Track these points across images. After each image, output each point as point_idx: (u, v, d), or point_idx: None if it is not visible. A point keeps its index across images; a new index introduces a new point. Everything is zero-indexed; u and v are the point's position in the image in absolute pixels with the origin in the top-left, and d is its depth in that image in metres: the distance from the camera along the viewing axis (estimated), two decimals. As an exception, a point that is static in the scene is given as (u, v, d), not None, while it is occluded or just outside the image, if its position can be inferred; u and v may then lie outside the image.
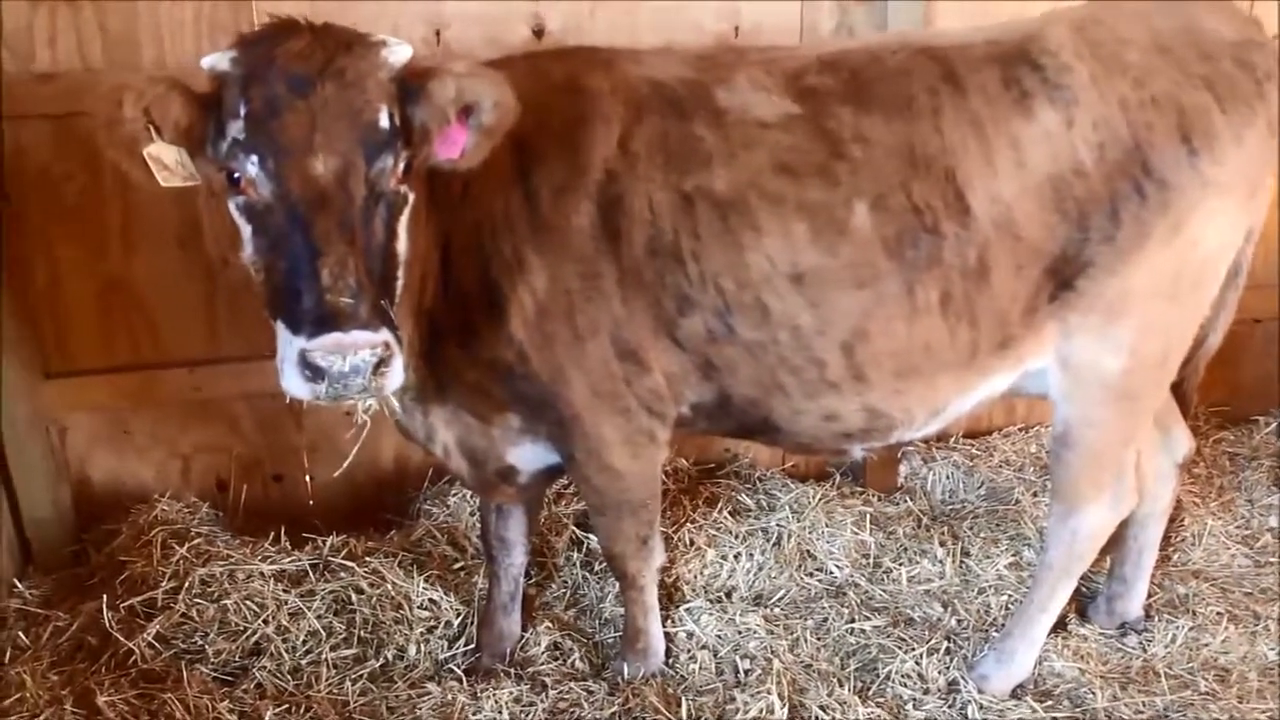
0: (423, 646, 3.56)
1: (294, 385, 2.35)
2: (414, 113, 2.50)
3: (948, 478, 4.53)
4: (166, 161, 2.45)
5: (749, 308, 2.90)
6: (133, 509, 3.98)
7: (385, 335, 2.33)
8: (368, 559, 3.79)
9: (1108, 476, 3.29)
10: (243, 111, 2.38)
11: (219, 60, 2.45)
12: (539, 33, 3.85)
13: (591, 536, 3.97)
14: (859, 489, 4.46)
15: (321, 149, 2.37)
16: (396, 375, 2.38)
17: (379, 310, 2.35)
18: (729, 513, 4.18)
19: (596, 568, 3.94)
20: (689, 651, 3.59)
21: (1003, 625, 3.65)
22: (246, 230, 2.47)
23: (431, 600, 3.68)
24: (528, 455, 3.21)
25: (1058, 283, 2.94)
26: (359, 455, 4.18)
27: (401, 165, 2.47)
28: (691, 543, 4.01)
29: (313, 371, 2.29)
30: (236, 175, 2.41)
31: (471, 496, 4.10)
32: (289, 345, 2.34)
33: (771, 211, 2.86)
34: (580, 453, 3.10)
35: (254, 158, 2.37)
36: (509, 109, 2.53)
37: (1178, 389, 3.53)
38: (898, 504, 4.37)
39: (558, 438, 3.10)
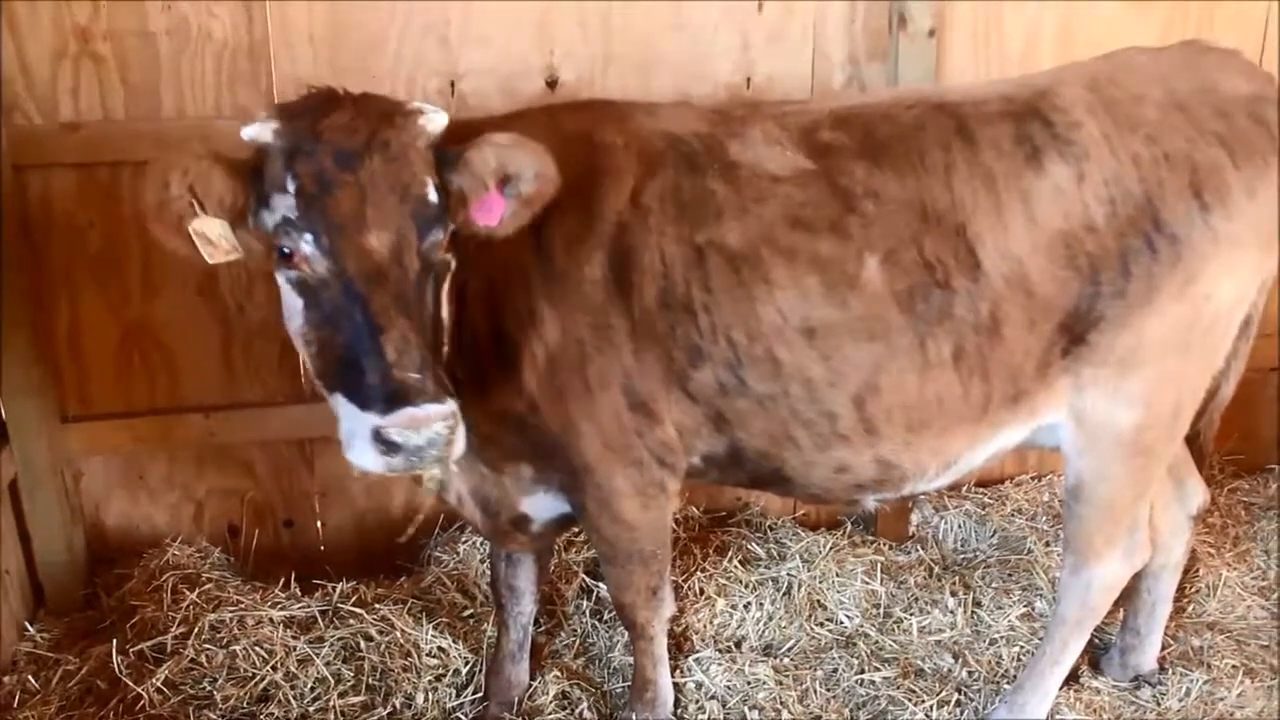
0: (431, 695, 3.54)
1: (366, 459, 2.38)
2: (451, 180, 2.56)
3: (959, 527, 4.51)
4: (211, 236, 2.46)
5: (760, 360, 2.91)
6: (144, 553, 3.99)
7: (452, 405, 2.38)
8: (377, 606, 3.79)
9: (1121, 530, 3.28)
10: (292, 188, 2.42)
11: (260, 131, 2.48)
12: (552, 84, 3.90)
13: (601, 585, 3.96)
14: (870, 538, 4.44)
15: (376, 225, 2.42)
16: (462, 441, 2.43)
17: (441, 380, 2.41)
18: (739, 562, 4.18)
19: (606, 616, 3.93)
20: (697, 702, 3.57)
21: (1014, 677, 3.63)
22: (296, 304, 2.51)
23: (440, 648, 3.68)
24: (540, 504, 3.22)
25: (1071, 337, 2.95)
26: (369, 502, 4.25)
27: (447, 235, 2.54)
28: (701, 592, 4.01)
29: (387, 446, 2.33)
30: (287, 250, 2.45)
31: (481, 544, 4.10)
32: (358, 420, 2.38)
33: (783, 265, 2.87)
34: (591, 503, 3.11)
35: (309, 235, 2.41)
36: (551, 180, 2.61)
37: (1193, 441, 3.52)
38: (909, 553, 4.35)
39: (569, 488, 3.11)
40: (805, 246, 2.87)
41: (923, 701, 3.52)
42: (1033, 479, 4.79)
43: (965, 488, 4.68)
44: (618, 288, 2.90)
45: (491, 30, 3.82)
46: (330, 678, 3.52)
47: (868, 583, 4.09)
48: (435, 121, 2.57)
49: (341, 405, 2.45)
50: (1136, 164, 2.86)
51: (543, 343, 2.89)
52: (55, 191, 3.68)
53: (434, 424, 2.33)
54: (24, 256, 3.64)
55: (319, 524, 4.26)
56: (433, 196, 2.50)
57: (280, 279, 2.52)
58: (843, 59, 4.12)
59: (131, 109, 3.65)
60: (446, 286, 2.59)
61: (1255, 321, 3.27)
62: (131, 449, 4.01)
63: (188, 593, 3.74)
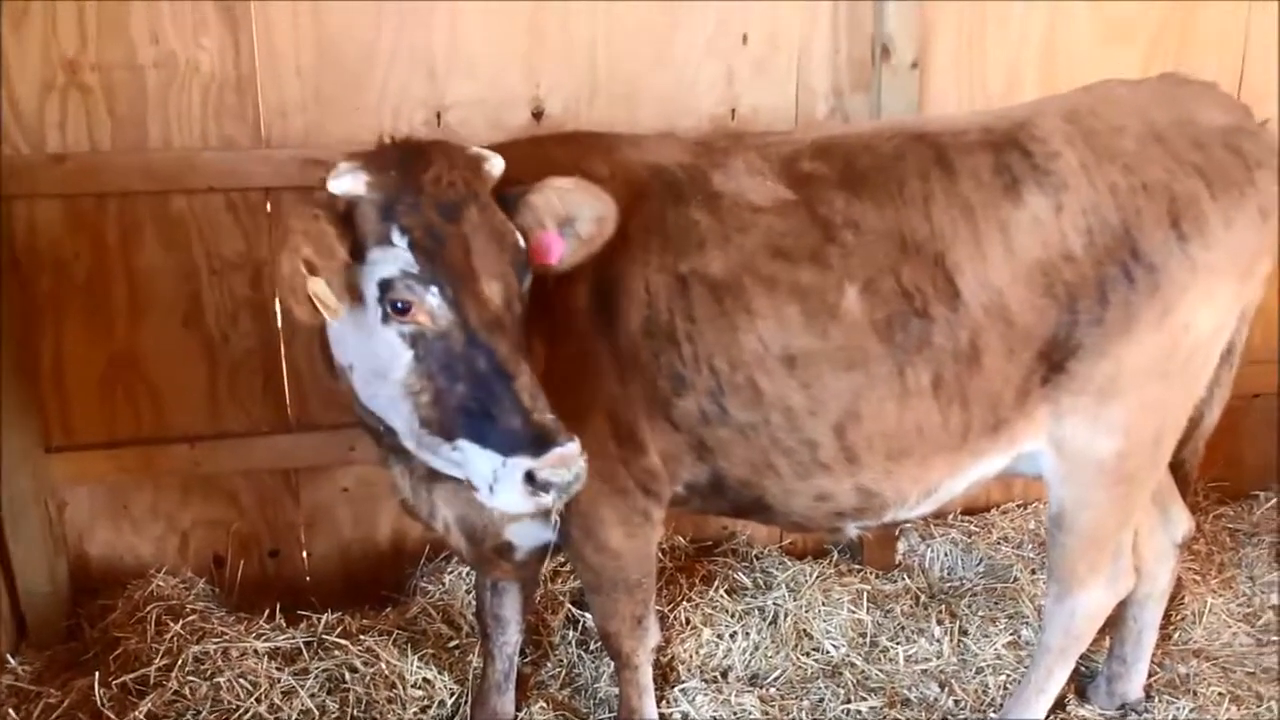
0: (416, 726, 3.53)
1: (516, 502, 2.45)
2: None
3: (946, 555, 4.51)
4: (322, 295, 2.45)
5: (742, 389, 2.92)
6: (128, 584, 3.97)
7: (577, 439, 2.43)
8: (362, 637, 3.76)
9: (1104, 558, 3.29)
10: (403, 242, 2.46)
11: (353, 184, 2.51)
12: (539, 115, 3.92)
13: (587, 615, 3.95)
14: (856, 566, 4.44)
15: (489, 274, 2.50)
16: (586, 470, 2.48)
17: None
18: (725, 591, 4.17)
19: (592, 646, 3.92)
20: (684, 732, 3.56)
21: (1001, 706, 3.62)
22: (404, 355, 2.52)
23: (425, 679, 3.65)
24: (525, 532, 3.20)
25: (1049, 365, 2.97)
26: (355, 532, 4.24)
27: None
28: (687, 621, 3.99)
29: (538, 486, 2.40)
30: (403, 304, 2.47)
31: (467, 574, 4.09)
32: (502, 465, 2.43)
33: (764, 294, 2.90)
34: (576, 531, 3.11)
35: (434, 289, 2.45)
36: (610, 221, 2.70)
37: (1178, 469, 3.54)
38: (895, 581, 4.34)
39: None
40: (786, 276, 2.89)
41: (909, 731, 3.52)
42: (1019, 507, 4.79)
43: (951, 516, 4.68)
44: (603, 316, 2.92)
45: (478, 62, 3.85)
46: (315, 710, 3.48)
47: (854, 612, 4.08)
48: (496, 166, 2.64)
49: (471, 452, 2.48)
50: (1114, 194, 2.89)
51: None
52: (41, 222, 3.69)
53: (579, 459, 2.43)
54: (10, 287, 3.64)
55: (304, 554, 4.24)
56: (521, 241, 2.59)
57: (390, 334, 2.52)
58: (826, 90, 4.16)
59: (118, 140, 3.67)
60: None
61: (1239, 350, 3.30)
62: (116, 479, 3.99)
63: (171, 624, 3.71)
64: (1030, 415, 3.04)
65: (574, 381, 2.92)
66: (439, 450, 2.58)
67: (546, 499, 2.43)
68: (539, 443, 2.40)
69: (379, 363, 2.58)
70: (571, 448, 2.42)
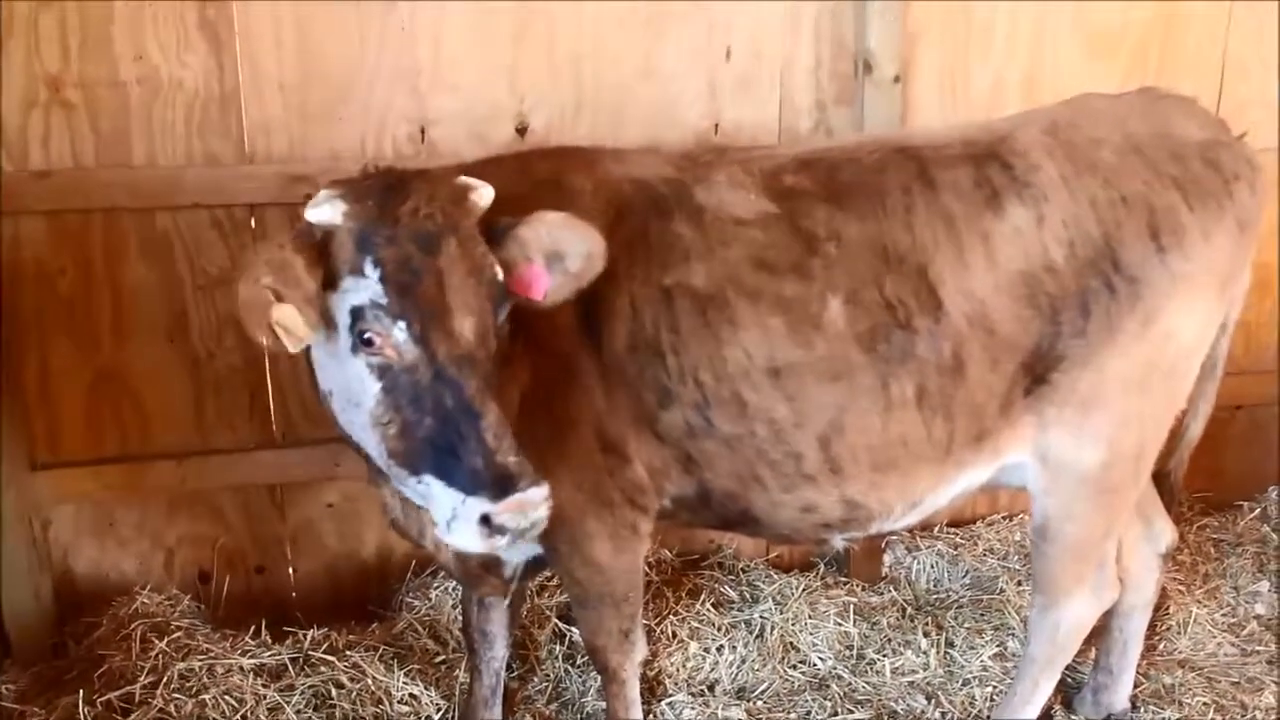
0: (402, 742, 3.52)
1: (470, 541, 2.43)
2: (497, 253, 2.60)
3: (932, 567, 4.52)
4: (288, 324, 2.41)
5: (727, 401, 2.93)
6: (114, 601, 3.94)
7: (546, 485, 2.41)
8: (348, 653, 3.75)
9: (1088, 569, 3.30)
10: (375, 274, 2.43)
11: (331, 214, 2.48)
12: (522, 130, 3.93)
13: (574, 629, 3.94)
14: (843, 579, 4.44)
15: (462, 310, 2.46)
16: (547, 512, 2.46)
17: (527, 458, 2.43)
18: (712, 604, 4.16)
19: (579, 661, 3.91)
20: (671, 746, 3.56)
21: (988, 718, 3.63)
22: (372, 387, 2.50)
23: (412, 695, 3.64)
24: (512, 547, 3.20)
25: (1032, 377, 2.99)
26: (341, 547, 4.23)
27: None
28: (674, 635, 3.99)
29: (493, 529, 2.38)
30: (370, 336, 2.45)
31: (454, 589, 4.08)
32: (461, 504, 2.40)
33: (748, 306, 2.91)
34: (563, 545, 3.11)
35: (401, 323, 2.42)
36: (599, 258, 2.67)
37: (1163, 481, 3.56)
38: (882, 594, 4.35)
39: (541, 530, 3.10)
40: (769, 288, 2.90)
41: (896, 743, 3.53)
42: (1004, 518, 4.80)
43: (937, 528, 4.69)
44: (588, 331, 2.92)
45: (462, 77, 3.86)
46: (300, 726, 3.48)
47: (840, 624, 4.08)
48: (485, 196, 2.61)
49: (435, 487, 2.46)
50: (1094, 206, 2.91)
51: (516, 384, 2.88)
52: (25, 238, 3.68)
53: (541, 506, 2.40)
54: (-6, 304, 3.64)
55: (290, 570, 4.23)
56: (500, 275, 2.55)
57: (360, 365, 2.50)
58: (809, 105, 4.19)
59: (102, 157, 3.66)
60: None
61: (1221, 362, 3.33)
62: (101, 496, 3.97)
63: (156, 641, 3.68)
64: (1014, 426, 3.05)
65: (559, 395, 2.93)
66: (405, 481, 2.58)
67: (501, 542, 2.40)
68: (499, 485, 2.36)
69: (351, 391, 2.56)
70: (534, 494, 2.38)
